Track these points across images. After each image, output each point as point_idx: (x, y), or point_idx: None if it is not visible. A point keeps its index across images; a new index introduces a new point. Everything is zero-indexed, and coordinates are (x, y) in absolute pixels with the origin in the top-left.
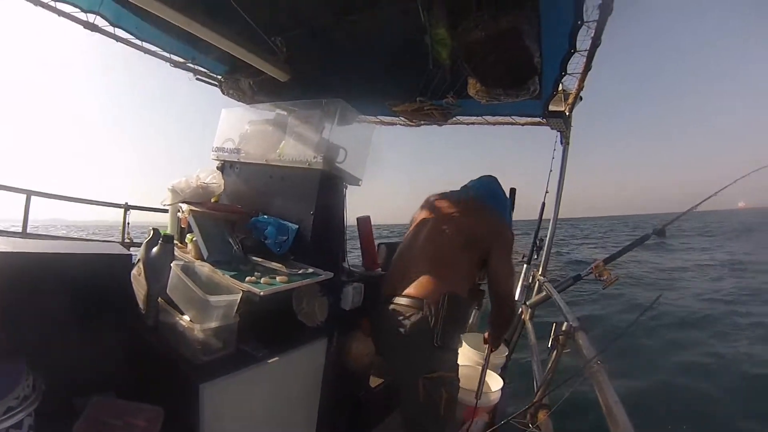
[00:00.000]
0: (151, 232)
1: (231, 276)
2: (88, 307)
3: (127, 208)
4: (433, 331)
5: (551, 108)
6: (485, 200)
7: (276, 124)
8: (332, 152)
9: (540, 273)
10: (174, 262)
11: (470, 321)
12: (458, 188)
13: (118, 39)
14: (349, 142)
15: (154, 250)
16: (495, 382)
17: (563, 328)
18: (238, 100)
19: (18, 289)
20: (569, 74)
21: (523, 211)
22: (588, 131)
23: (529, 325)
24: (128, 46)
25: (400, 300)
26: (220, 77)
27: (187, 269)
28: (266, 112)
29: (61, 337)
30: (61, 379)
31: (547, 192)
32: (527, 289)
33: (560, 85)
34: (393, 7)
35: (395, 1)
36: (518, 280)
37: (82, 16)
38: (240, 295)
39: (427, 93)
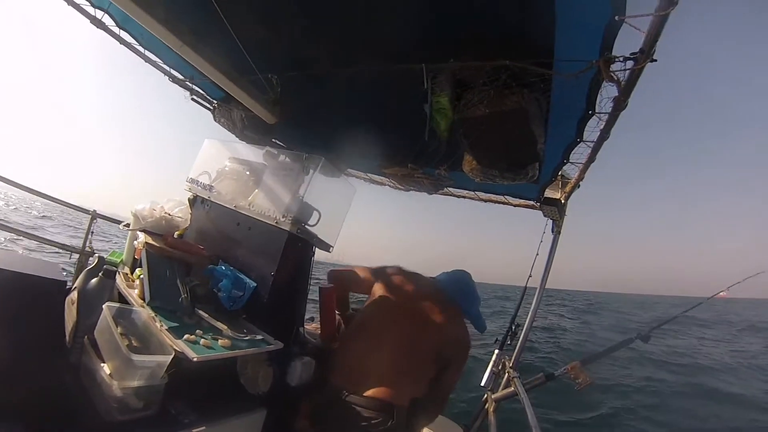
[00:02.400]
0: (96, 260)
1: (169, 329)
2: (10, 330)
3: (94, 216)
4: None
5: (547, 194)
6: (457, 302)
7: (254, 169)
8: (304, 213)
9: (511, 365)
10: (107, 304)
11: None
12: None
13: (121, 41)
14: (325, 204)
15: (92, 282)
16: None
17: None
18: (229, 131)
19: None
20: (571, 163)
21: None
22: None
23: (492, 418)
24: (131, 51)
25: (363, 401)
26: (215, 103)
27: (121, 314)
28: (249, 152)
29: None
30: None
31: (530, 276)
32: (495, 377)
33: (560, 171)
34: (397, 67)
35: (400, 61)
36: (488, 365)
37: (90, 10)
38: (171, 357)
39: (419, 161)
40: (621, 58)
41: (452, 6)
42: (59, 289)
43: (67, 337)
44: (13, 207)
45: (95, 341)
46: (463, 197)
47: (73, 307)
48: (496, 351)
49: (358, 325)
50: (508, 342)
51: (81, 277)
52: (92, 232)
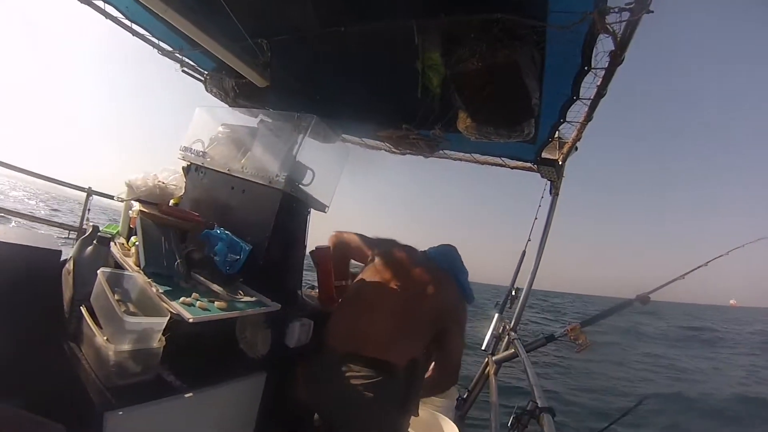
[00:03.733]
0: (90, 229)
1: (165, 292)
2: (8, 302)
3: (89, 193)
4: (405, 397)
5: (544, 155)
6: (449, 272)
7: (247, 132)
8: (298, 173)
9: (511, 327)
10: (101, 269)
11: None
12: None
13: (107, 16)
14: (319, 164)
15: (87, 250)
16: (450, 430)
17: (528, 407)
18: (221, 101)
19: None
20: (568, 122)
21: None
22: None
23: (493, 380)
24: (116, 25)
25: (361, 361)
26: (206, 73)
27: (115, 278)
28: (242, 116)
29: None
30: None
31: (529, 240)
32: (496, 340)
33: (557, 132)
34: (386, 24)
35: (389, 19)
36: (488, 329)
37: None
38: (166, 318)
39: (413, 121)
40: (616, 9)
41: None
42: (55, 258)
43: (65, 307)
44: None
45: (92, 309)
46: (460, 159)
47: (69, 277)
48: (496, 315)
49: (356, 290)
50: (508, 306)
51: (76, 246)
52: (89, 210)
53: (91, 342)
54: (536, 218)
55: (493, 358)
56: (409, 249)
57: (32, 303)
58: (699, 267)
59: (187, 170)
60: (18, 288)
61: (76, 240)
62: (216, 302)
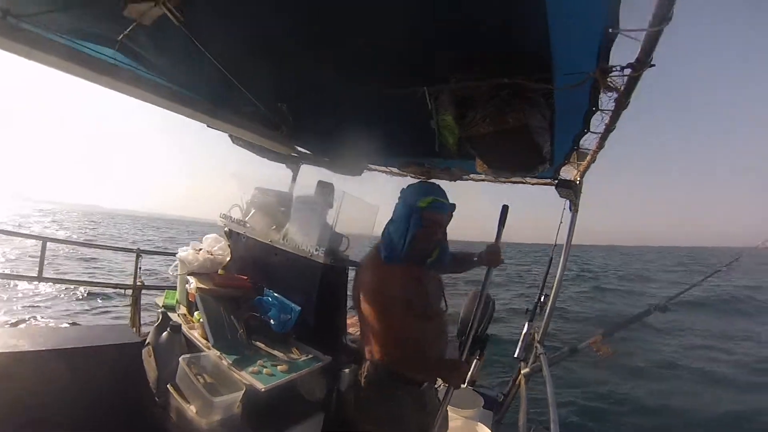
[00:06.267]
0: (160, 317)
1: (234, 362)
2: (111, 391)
3: (138, 253)
4: None
5: (562, 174)
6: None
7: (282, 199)
8: (335, 243)
9: (539, 339)
10: (182, 356)
11: None
12: None
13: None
14: (352, 228)
15: (163, 336)
16: None
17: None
18: (248, 150)
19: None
20: (581, 149)
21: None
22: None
23: (523, 391)
24: None
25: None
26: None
27: (194, 362)
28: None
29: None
30: None
31: (554, 246)
32: (527, 348)
33: (573, 152)
34: (400, 91)
35: (402, 86)
36: (521, 337)
37: None
38: (243, 391)
39: (435, 161)
40: (618, 68)
41: (445, 27)
42: (138, 349)
43: (152, 385)
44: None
45: (177, 386)
46: (483, 180)
47: (151, 360)
48: (527, 323)
49: None
50: (538, 311)
51: (151, 333)
52: (140, 269)
53: (183, 415)
54: (561, 222)
55: (522, 372)
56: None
57: (129, 388)
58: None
59: (229, 235)
60: (118, 378)
61: (131, 297)
62: (279, 366)
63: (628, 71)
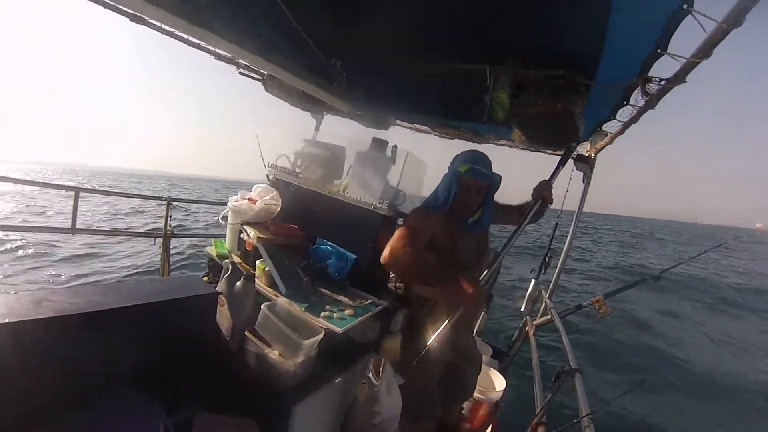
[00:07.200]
0: (230, 267)
1: (306, 309)
2: (181, 341)
3: (169, 201)
4: None
5: (578, 150)
6: None
7: (334, 152)
8: (396, 198)
9: (548, 295)
10: (264, 304)
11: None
12: None
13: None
14: (408, 185)
15: (237, 285)
16: (498, 382)
17: (564, 368)
18: (283, 100)
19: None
20: (602, 131)
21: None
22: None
23: (532, 340)
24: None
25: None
26: (265, 74)
27: (273, 308)
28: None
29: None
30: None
31: (561, 211)
32: (533, 303)
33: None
34: (464, 67)
35: (466, 62)
36: (526, 293)
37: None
38: (323, 333)
39: (471, 122)
40: (657, 79)
41: (514, 14)
42: (212, 300)
43: (226, 332)
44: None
45: (257, 333)
46: (502, 144)
47: (225, 309)
48: (533, 281)
49: None
50: (543, 272)
51: (222, 283)
52: (170, 216)
53: (264, 359)
54: (567, 190)
55: (533, 321)
56: None
57: (201, 337)
58: (718, 246)
59: (276, 185)
60: (197, 327)
61: (161, 245)
62: (346, 310)
63: (663, 83)
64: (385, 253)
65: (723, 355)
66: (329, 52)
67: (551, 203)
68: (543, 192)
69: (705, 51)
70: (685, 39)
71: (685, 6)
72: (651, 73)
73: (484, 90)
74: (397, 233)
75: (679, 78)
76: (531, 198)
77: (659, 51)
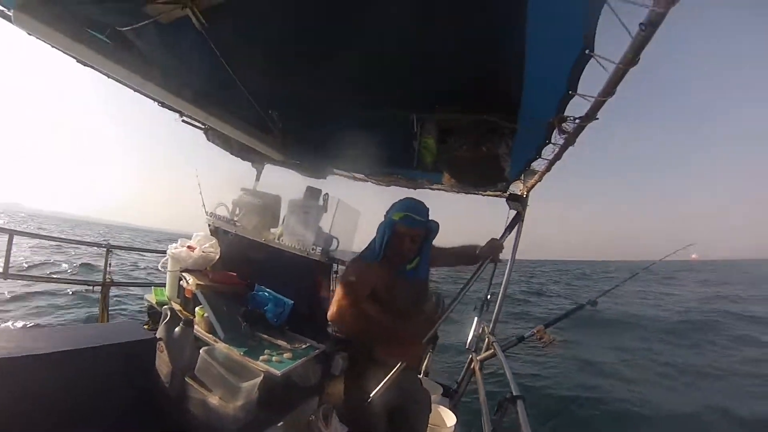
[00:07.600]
0: (168, 314)
1: (244, 354)
2: (119, 388)
3: (109, 248)
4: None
5: (512, 188)
6: None
7: (269, 201)
8: (328, 244)
9: (490, 330)
10: (203, 348)
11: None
12: None
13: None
14: (340, 232)
15: (176, 331)
16: (449, 419)
17: (507, 396)
18: (223, 149)
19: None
20: (529, 169)
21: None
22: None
23: (479, 375)
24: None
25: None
26: (207, 124)
27: (212, 353)
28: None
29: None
30: None
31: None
32: (477, 340)
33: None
34: (389, 112)
35: (393, 109)
36: (470, 330)
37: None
38: (262, 376)
39: (404, 170)
40: (572, 118)
41: (438, 66)
42: (151, 346)
43: (165, 378)
44: None
45: (196, 378)
46: (439, 189)
47: (164, 354)
48: (476, 318)
49: None
50: (485, 309)
51: (161, 329)
52: (110, 264)
53: (204, 403)
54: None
55: (477, 357)
56: None
57: (144, 383)
58: (636, 274)
59: (215, 233)
60: (124, 375)
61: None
62: (284, 354)
63: (577, 121)
64: (332, 310)
65: (664, 384)
66: (266, 103)
67: (500, 262)
68: (494, 252)
69: (608, 90)
70: (597, 79)
71: (587, 51)
72: (567, 113)
73: (412, 137)
74: (340, 290)
75: (590, 116)
76: (472, 243)
77: (570, 93)
